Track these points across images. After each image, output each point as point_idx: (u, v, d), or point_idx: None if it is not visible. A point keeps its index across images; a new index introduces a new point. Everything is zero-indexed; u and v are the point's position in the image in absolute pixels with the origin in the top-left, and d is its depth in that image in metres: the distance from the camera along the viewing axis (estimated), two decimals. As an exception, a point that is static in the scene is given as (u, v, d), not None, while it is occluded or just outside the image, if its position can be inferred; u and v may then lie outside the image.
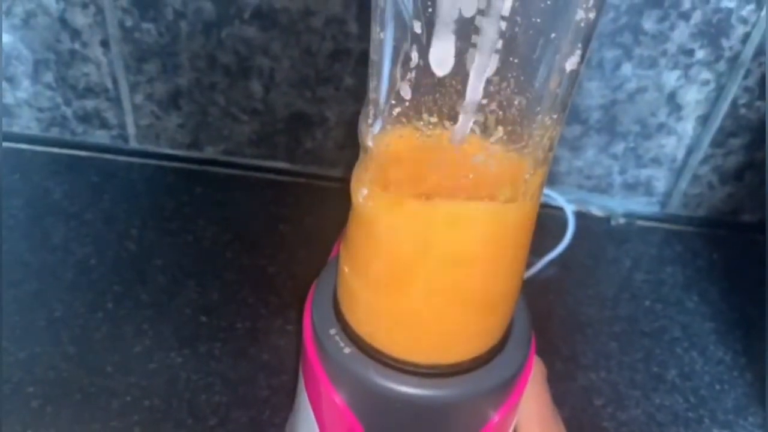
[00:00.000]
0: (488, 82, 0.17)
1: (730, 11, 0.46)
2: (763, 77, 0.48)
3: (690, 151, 0.53)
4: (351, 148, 0.21)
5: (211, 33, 0.50)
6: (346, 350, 0.22)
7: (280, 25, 0.49)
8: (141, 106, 0.54)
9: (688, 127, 0.51)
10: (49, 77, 0.54)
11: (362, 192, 0.20)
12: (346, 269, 0.22)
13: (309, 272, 0.26)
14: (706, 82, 0.49)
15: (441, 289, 0.21)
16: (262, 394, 0.40)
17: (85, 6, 0.50)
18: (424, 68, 0.18)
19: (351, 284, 0.22)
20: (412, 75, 0.18)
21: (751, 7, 0.45)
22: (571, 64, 0.17)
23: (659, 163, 0.53)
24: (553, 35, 0.16)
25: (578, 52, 0.17)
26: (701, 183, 0.54)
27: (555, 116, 0.19)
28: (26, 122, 0.57)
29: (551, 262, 0.50)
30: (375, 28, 0.18)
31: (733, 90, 0.49)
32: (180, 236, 0.50)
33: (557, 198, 0.54)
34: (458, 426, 0.23)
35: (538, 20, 0.16)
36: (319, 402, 0.24)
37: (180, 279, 0.47)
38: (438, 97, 0.18)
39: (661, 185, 0.55)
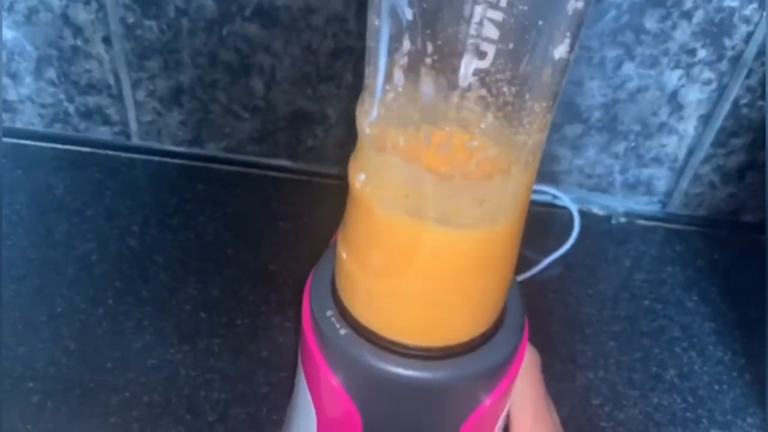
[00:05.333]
0: (479, 69, 0.18)
1: (732, 10, 0.46)
2: (764, 77, 0.48)
3: (691, 151, 0.52)
4: (352, 146, 0.22)
5: (212, 30, 0.50)
6: (342, 332, 0.22)
7: (281, 23, 0.49)
8: (143, 102, 0.55)
9: (689, 126, 0.51)
10: (51, 73, 0.54)
11: (359, 177, 0.21)
12: (344, 254, 0.22)
13: (309, 270, 0.26)
14: (707, 82, 0.49)
15: (436, 273, 0.21)
16: (261, 391, 0.40)
17: (87, 2, 0.50)
18: (417, 55, 0.18)
19: (348, 268, 0.22)
20: (405, 61, 0.18)
21: (754, 6, 0.45)
22: (560, 52, 0.17)
23: (660, 163, 0.53)
24: (542, 23, 0.17)
25: (567, 41, 0.17)
26: (702, 183, 0.54)
27: (545, 104, 0.19)
28: (29, 118, 0.57)
29: (552, 262, 0.50)
30: (371, 16, 0.18)
31: (735, 89, 0.49)
32: (181, 233, 0.50)
33: (562, 197, 0.54)
34: (450, 408, 0.23)
35: (530, 9, 0.17)
36: (316, 383, 0.24)
37: (181, 275, 0.47)
38: (431, 81, 0.18)
39: (662, 185, 0.55)
